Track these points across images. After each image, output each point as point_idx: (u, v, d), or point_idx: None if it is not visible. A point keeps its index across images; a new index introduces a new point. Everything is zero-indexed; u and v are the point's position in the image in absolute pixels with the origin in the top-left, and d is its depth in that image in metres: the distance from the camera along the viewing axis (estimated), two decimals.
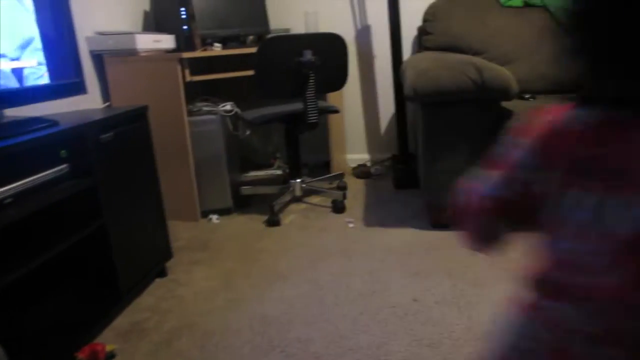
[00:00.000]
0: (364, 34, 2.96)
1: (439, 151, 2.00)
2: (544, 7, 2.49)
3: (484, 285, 1.64)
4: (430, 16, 2.58)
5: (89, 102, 2.08)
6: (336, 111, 2.55)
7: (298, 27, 2.84)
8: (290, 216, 2.40)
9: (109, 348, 1.38)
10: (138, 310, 1.64)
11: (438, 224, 2.11)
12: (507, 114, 1.92)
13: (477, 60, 2.01)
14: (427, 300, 1.57)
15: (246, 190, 2.62)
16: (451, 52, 2.39)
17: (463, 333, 1.39)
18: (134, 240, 1.69)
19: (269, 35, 2.51)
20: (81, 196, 1.49)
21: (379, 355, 1.31)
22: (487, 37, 2.46)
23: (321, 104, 2.41)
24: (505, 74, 1.89)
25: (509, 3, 2.52)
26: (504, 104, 1.94)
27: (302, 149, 2.60)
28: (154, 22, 2.58)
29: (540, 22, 2.46)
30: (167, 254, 1.90)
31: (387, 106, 3.00)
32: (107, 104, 2.25)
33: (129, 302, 1.67)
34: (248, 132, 2.76)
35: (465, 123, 1.96)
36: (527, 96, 2.17)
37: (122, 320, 1.59)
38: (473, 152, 1.98)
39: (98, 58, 2.21)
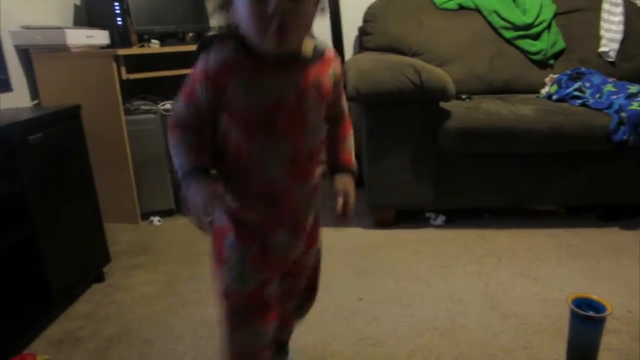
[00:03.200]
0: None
1: (381, 151, 2.04)
2: (478, 10, 2.59)
3: (425, 282, 1.69)
4: (370, 17, 2.62)
5: (15, 100, 1.95)
6: None
7: None
8: None
9: (40, 358, 1.30)
10: (73, 318, 1.56)
11: (381, 224, 2.16)
12: (445, 114, 1.98)
13: (416, 61, 2.06)
14: (371, 298, 1.60)
15: None
16: (391, 53, 2.44)
17: (406, 330, 1.43)
18: (67, 244, 1.61)
19: (208, 33, 2.46)
20: (8, 200, 1.40)
21: (325, 356, 1.32)
22: (424, 38, 2.53)
23: None
24: (442, 76, 1.96)
25: (444, 5, 2.61)
26: (442, 104, 2.00)
27: None
28: (86, 17, 2.45)
29: (474, 25, 2.56)
30: (105, 258, 1.82)
31: None
32: (35, 102, 2.12)
33: (63, 309, 1.59)
34: None
35: (406, 123, 2.01)
36: (463, 97, 2.26)
37: (55, 329, 1.50)
38: (414, 151, 2.04)
39: (25, 54, 2.08)
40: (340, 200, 0.96)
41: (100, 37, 2.23)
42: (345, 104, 1.00)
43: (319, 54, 0.86)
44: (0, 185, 1.36)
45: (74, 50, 2.09)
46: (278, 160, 0.86)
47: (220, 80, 0.80)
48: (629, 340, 1.34)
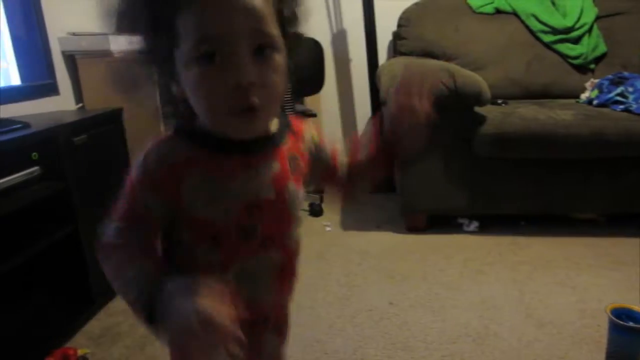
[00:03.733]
0: (339, 38, 2.98)
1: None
2: (515, 14, 2.55)
3: (457, 288, 1.67)
4: (404, 21, 2.62)
5: (61, 104, 2.04)
6: (313, 115, 2.56)
7: None
8: None
9: (80, 352, 1.36)
10: (111, 314, 1.62)
11: (413, 228, 2.14)
12: (481, 119, 1.96)
13: (451, 66, 2.05)
14: (402, 303, 1.59)
15: None
16: (425, 58, 2.43)
17: (437, 336, 1.41)
18: None
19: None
20: (53, 199, 1.47)
21: (355, 359, 1.33)
22: (459, 43, 2.50)
23: (298, 107, 2.42)
24: (477, 80, 1.93)
25: (481, 9, 2.58)
26: (477, 109, 1.98)
27: None
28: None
29: (511, 29, 2.52)
30: None
31: (363, 110, 3.02)
32: (79, 105, 2.21)
33: (102, 306, 1.65)
34: None
35: (440, 127, 1.98)
36: (499, 101, 2.22)
37: (94, 324, 1.56)
38: (448, 156, 2.02)
39: (71, 59, 2.17)
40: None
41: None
42: (337, 147, 0.79)
43: (284, 127, 0.67)
44: (46, 185, 1.42)
45: (116, 55, 2.17)
46: (263, 275, 0.66)
47: (170, 186, 0.59)
48: None
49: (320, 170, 0.75)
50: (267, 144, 0.64)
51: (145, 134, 2.20)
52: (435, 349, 1.36)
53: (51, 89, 1.66)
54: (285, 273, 0.69)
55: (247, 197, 0.62)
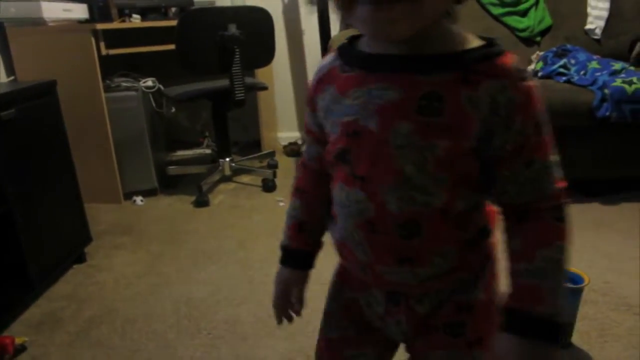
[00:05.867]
0: (291, 9, 2.91)
1: None
2: None
3: None
4: None
5: None
6: (265, 88, 2.50)
7: (223, 0, 2.73)
8: (220, 196, 2.35)
9: (18, 341, 1.29)
10: (52, 299, 1.55)
11: None
12: None
13: None
14: None
15: (173, 170, 2.52)
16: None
17: None
18: (46, 225, 1.58)
19: (192, 7, 2.40)
20: None
21: (308, 332, 1.32)
22: None
23: (248, 80, 2.35)
24: None
25: None
26: None
27: (232, 127, 2.54)
28: None
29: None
30: (86, 238, 1.80)
31: None
32: (11, 78, 2.06)
33: (43, 291, 1.57)
34: (173, 110, 2.65)
35: None
36: None
37: (34, 311, 1.49)
38: None
39: None
40: None
41: (78, 10, 2.16)
42: (545, 179, 0.57)
43: (465, 59, 0.51)
44: None
45: (50, 24, 2.02)
46: (350, 217, 0.58)
47: (314, 94, 0.61)
48: (605, 310, 1.36)
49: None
50: (397, 63, 0.53)
51: (87, 106, 2.09)
52: None
53: None
54: (377, 236, 0.56)
55: (348, 117, 0.56)
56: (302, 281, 0.73)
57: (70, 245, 1.72)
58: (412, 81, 0.52)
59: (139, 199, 2.30)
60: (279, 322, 0.75)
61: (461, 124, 0.51)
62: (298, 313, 0.74)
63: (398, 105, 0.52)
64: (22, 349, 1.29)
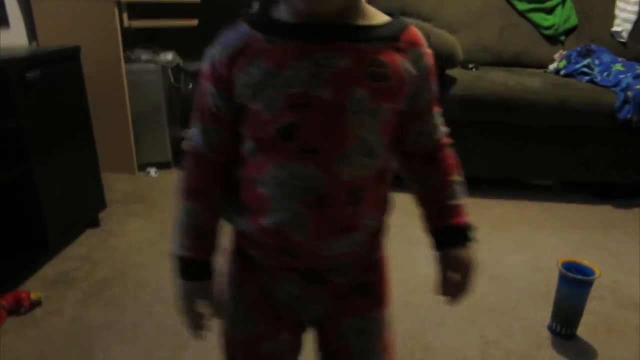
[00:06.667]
0: None
1: None
2: None
3: (418, 244, 1.70)
4: None
5: (12, 38, 1.91)
6: None
7: None
8: None
9: (34, 296, 1.32)
10: (67, 259, 1.58)
11: None
12: (450, 81, 1.96)
13: (425, 25, 2.03)
14: None
15: None
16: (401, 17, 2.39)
17: (397, 286, 1.44)
18: (64, 187, 1.60)
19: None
20: (3, 137, 1.39)
21: None
22: (436, 4, 2.48)
23: None
24: (451, 40, 1.93)
25: None
26: (448, 71, 1.98)
27: None
28: None
29: None
30: (101, 204, 1.82)
31: None
32: (34, 43, 2.08)
33: (58, 251, 1.60)
34: (190, 86, 2.66)
35: None
36: (470, 66, 2.23)
37: (49, 270, 1.52)
38: None
39: None
40: (450, 280, 0.70)
41: None
42: (439, 122, 0.66)
43: (391, 30, 0.57)
44: None
45: None
46: (296, 196, 0.56)
47: (227, 71, 0.56)
48: (612, 307, 1.37)
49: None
50: (339, 33, 0.54)
51: (107, 76, 2.10)
52: (395, 296, 1.39)
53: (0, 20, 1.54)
54: (325, 210, 0.56)
55: (293, 90, 0.53)
56: (210, 290, 0.66)
57: (86, 209, 1.75)
58: (358, 49, 0.54)
59: (152, 171, 2.32)
60: (197, 337, 0.67)
61: (401, 87, 0.57)
62: (215, 316, 0.67)
63: (351, 72, 0.54)
64: (37, 303, 1.32)
